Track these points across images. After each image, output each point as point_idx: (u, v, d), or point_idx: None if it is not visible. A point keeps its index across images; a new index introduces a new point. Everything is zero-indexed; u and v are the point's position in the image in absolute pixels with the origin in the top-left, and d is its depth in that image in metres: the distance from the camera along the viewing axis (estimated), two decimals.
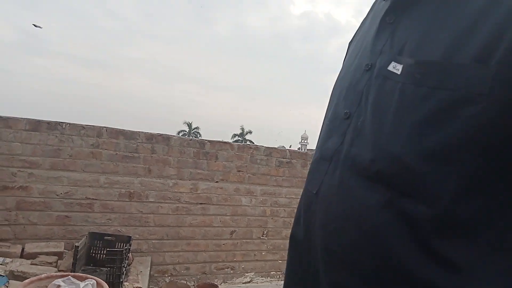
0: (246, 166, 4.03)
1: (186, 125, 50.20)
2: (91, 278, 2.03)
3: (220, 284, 3.90)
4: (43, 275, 2.06)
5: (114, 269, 2.80)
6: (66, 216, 3.32)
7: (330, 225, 0.60)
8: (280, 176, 4.23)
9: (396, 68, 0.54)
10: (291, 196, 4.25)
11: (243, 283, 4.03)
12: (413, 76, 0.51)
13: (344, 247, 0.56)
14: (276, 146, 4.27)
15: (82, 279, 2.00)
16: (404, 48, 0.55)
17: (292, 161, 4.28)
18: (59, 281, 1.85)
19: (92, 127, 3.40)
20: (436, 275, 0.47)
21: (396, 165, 0.50)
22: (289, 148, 4.28)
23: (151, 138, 3.63)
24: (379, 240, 0.52)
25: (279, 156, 4.21)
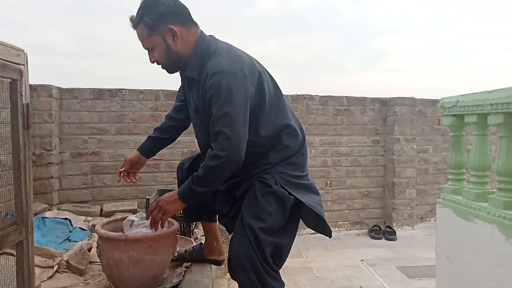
0: (302, 117, 3.96)
1: None
2: None
3: None
4: (118, 217, 2.20)
5: None
6: None
7: None
8: (338, 124, 4.11)
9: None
10: (352, 144, 4.11)
11: (310, 233, 4.03)
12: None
13: None
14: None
15: None
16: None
17: (350, 108, 4.14)
18: (132, 217, 1.96)
19: (150, 91, 3.53)
20: None
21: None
22: (345, 95, 4.12)
23: None
24: None
25: (335, 104, 4.08)
